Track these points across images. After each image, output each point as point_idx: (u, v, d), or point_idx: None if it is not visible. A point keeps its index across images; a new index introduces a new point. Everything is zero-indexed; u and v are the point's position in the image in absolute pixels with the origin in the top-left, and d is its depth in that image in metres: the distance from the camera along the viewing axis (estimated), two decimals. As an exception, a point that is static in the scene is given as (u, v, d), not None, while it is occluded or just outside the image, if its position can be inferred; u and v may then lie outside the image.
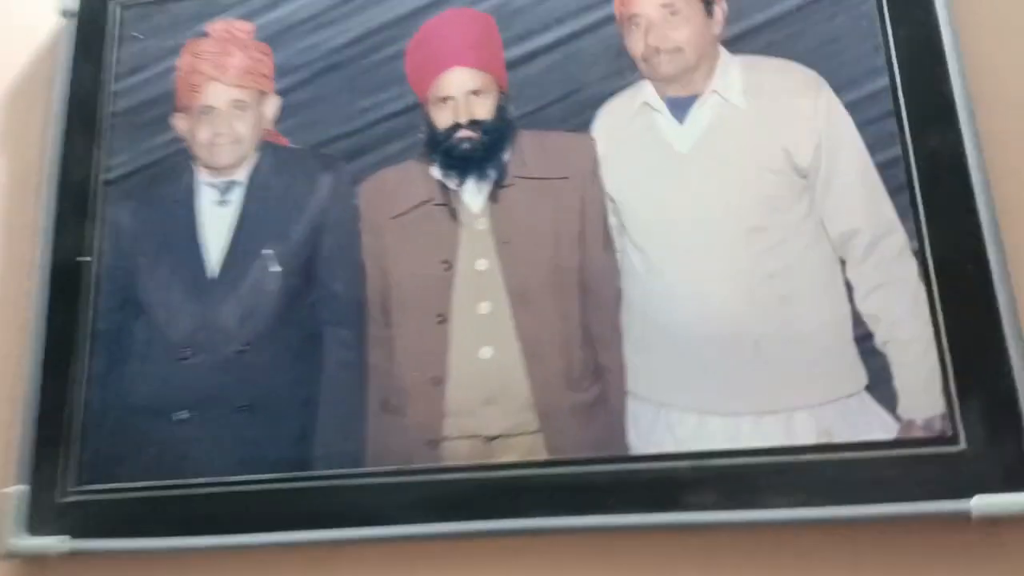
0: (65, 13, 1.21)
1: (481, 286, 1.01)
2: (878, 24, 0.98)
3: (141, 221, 1.11)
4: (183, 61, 1.16)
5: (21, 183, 1.17)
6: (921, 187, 0.93)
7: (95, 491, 1.03)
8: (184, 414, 1.04)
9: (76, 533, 1.01)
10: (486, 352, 0.99)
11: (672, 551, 0.90)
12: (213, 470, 1.01)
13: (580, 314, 0.98)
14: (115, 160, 1.14)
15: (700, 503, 0.90)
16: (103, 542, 1.01)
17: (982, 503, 0.83)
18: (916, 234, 0.92)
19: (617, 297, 0.98)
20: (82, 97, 1.17)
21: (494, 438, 0.97)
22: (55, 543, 1.01)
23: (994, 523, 0.83)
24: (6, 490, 1.03)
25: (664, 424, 0.94)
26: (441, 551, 0.94)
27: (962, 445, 0.86)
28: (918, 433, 0.88)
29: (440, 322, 1.01)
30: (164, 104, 1.15)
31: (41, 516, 1.03)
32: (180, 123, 1.14)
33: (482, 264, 1.02)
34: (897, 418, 0.89)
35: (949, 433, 0.87)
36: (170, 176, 1.13)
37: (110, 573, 1.01)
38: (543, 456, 0.95)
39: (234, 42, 1.15)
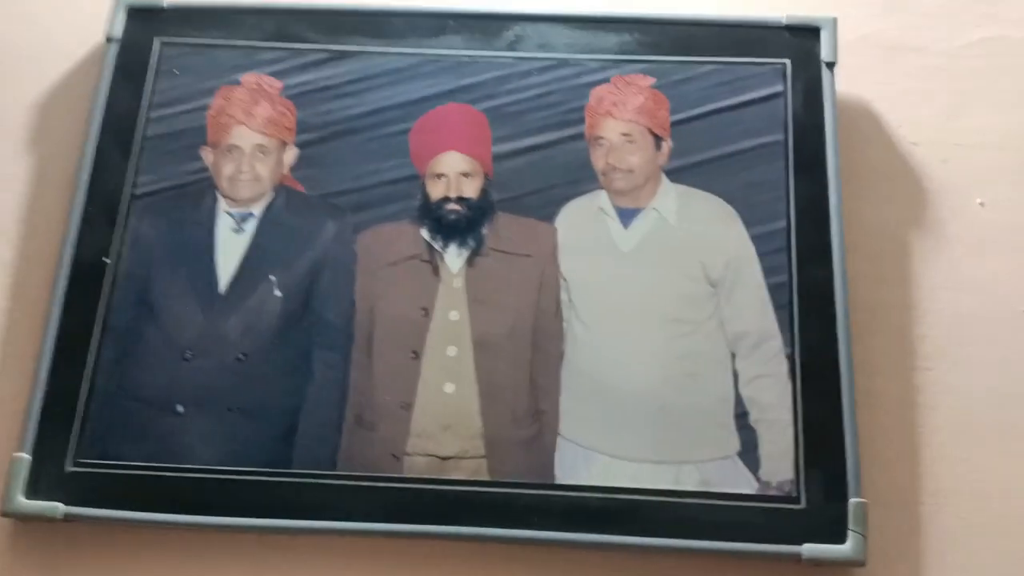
0: (110, 39, 1.37)
1: (451, 333, 1.24)
2: (783, 179, 1.28)
3: (162, 234, 1.28)
4: (215, 102, 1.34)
5: (55, 185, 1.32)
6: (799, 308, 1.23)
7: (93, 466, 1.17)
8: (181, 408, 1.20)
9: (72, 502, 1.14)
10: (449, 387, 1.22)
11: (578, 564, 1.15)
12: (203, 460, 1.18)
13: (529, 366, 1.22)
14: (144, 178, 1.30)
15: (603, 527, 1.14)
16: (96, 511, 1.14)
17: (811, 549, 1.11)
18: (790, 342, 1.22)
19: (560, 356, 1.23)
20: (119, 116, 1.32)
21: (448, 458, 1.19)
22: (49, 508, 1.13)
23: (818, 564, 1.12)
24: (13, 455, 1.16)
25: (583, 462, 1.19)
26: (394, 548, 1.15)
27: (803, 504, 1.15)
28: (772, 492, 1.16)
29: (413, 358, 1.23)
30: (194, 136, 1.33)
31: (41, 483, 1.15)
32: (207, 156, 1.32)
33: (454, 315, 1.25)
34: (758, 479, 1.17)
35: (794, 494, 1.15)
36: (193, 200, 1.30)
37: (101, 540, 1.15)
38: (486, 477, 1.18)
39: (263, 94, 1.34)
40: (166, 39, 1.38)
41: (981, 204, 1.32)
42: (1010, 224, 1.31)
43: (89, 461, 1.18)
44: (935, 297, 1.28)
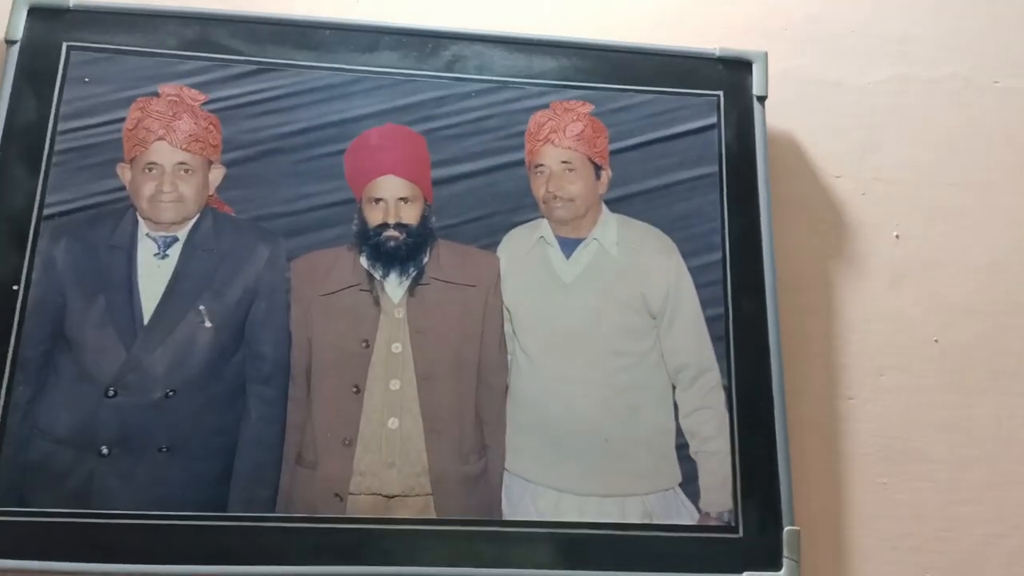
0: (10, 41, 1.25)
1: (394, 366, 1.21)
2: (719, 211, 1.31)
3: (77, 260, 1.18)
4: (131, 115, 1.24)
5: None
6: (734, 340, 1.26)
7: (10, 514, 1.08)
8: (106, 450, 1.12)
9: (-11, 552, 1.06)
10: (393, 423, 1.19)
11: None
12: (130, 505, 1.11)
13: (474, 399, 1.21)
14: (55, 197, 1.20)
15: (552, 563, 1.15)
16: (15, 563, 1.06)
17: (749, 577, 1.17)
18: (727, 374, 1.25)
19: (505, 389, 1.22)
20: (23, 127, 1.21)
21: (393, 497, 1.16)
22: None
23: (746, 590, 1.17)
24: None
25: (530, 497, 1.19)
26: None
27: (740, 533, 1.19)
28: (712, 522, 1.20)
29: (355, 393, 1.19)
30: (109, 152, 1.23)
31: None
32: (124, 173, 1.23)
33: (397, 347, 1.21)
34: (699, 509, 1.20)
35: (733, 524, 1.20)
36: (111, 221, 1.20)
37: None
38: (433, 516, 1.16)
39: (184, 107, 1.26)
40: (74, 43, 1.27)
41: (897, 237, 1.39)
42: (923, 257, 1.39)
43: (6, 509, 1.09)
44: (855, 328, 1.34)
